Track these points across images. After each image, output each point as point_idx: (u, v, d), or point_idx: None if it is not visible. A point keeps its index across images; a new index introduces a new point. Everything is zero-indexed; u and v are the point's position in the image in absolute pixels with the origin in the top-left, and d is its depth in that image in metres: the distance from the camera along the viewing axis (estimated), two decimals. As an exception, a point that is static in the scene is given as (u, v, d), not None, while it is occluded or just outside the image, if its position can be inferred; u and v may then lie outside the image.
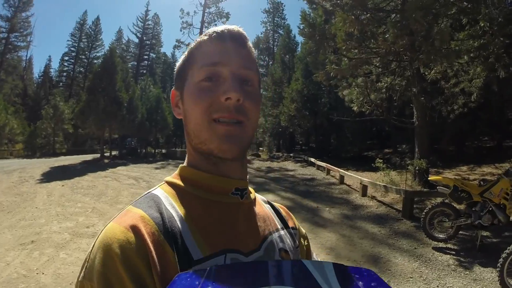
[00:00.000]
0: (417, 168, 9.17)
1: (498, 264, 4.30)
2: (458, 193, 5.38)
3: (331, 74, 10.12)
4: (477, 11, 8.51)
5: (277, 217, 0.82)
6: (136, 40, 59.11)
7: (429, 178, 6.43)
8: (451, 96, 11.19)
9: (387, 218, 7.26)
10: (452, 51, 8.61)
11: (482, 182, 5.50)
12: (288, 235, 0.80)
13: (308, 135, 26.06)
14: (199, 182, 0.69)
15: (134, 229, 0.56)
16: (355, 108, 11.32)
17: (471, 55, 9.25)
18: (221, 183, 0.69)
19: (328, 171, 13.29)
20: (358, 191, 9.36)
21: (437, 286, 4.55)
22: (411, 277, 4.73)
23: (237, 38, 0.69)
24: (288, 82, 27.15)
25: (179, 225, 0.61)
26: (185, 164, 0.73)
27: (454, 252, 5.57)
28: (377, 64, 10.68)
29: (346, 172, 11.32)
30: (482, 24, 8.61)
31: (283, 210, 0.87)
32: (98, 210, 7.93)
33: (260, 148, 31.25)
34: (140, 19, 58.85)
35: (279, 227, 0.79)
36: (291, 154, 23.65)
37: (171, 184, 0.70)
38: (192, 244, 0.60)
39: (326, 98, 22.61)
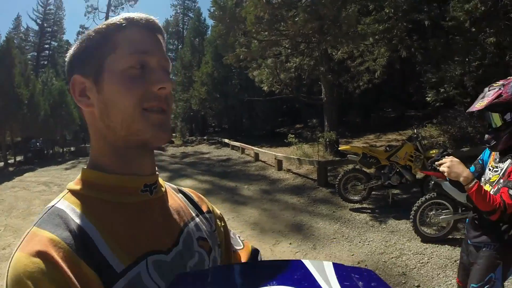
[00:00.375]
0: (327, 139, 9.70)
1: (411, 216, 4.82)
2: (367, 159, 5.90)
3: (241, 56, 10.21)
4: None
5: (190, 205, 0.81)
6: (36, 28, 53.21)
7: (339, 148, 6.87)
8: (356, 74, 12.00)
9: (304, 188, 7.58)
10: (358, 34, 9.22)
11: (388, 148, 6.08)
12: (204, 221, 0.80)
13: (221, 117, 25.84)
14: (104, 185, 0.64)
15: (44, 255, 0.50)
16: (265, 88, 11.53)
17: (376, 37, 10.08)
18: (128, 182, 0.65)
19: (242, 150, 13.42)
20: (273, 166, 9.59)
21: (359, 242, 4.95)
22: (334, 238, 5.06)
23: (158, 29, 0.68)
24: (198, 66, 26.56)
25: (93, 239, 0.56)
26: (88, 166, 0.68)
27: (369, 211, 6.08)
28: (287, 46, 10.94)
29: (261, 149, 11.58)
30: (387, 11, 9.38)
31: (195, 196, 0.86)
32: (12, 227, 7.05)
33: (173, 134, 30.45)
34: (41, 3, 53.01)
35: (193, 214, 0.78)
36: (205, 137, 23.44)
37: (74, 193, 0.63)
38: (111, 257, 0.56)
39: (237, 80, 22.57)
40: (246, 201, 6.88)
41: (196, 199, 0.84)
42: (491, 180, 2.08)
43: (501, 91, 1.91)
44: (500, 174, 2.01)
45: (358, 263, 4.40)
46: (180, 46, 46.10)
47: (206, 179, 8.63)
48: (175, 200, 0.76)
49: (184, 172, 9.32)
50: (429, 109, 12.46)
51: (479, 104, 1.97)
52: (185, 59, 29.37)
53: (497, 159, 2.09)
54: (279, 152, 10.67)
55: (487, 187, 2.08)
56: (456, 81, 10.19)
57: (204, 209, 0.83)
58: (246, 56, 10.08)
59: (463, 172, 1.88)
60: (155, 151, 0.72)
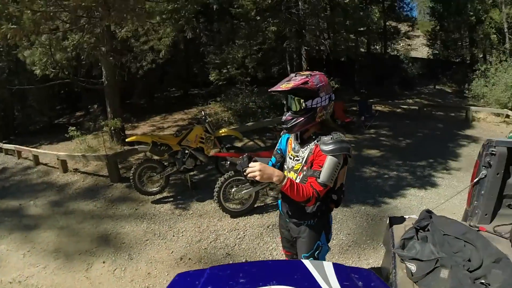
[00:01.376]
0: (112, 128, 8.88)
1: (215, 197, 5.05)
2: (158, 148, 5.70)
3: (8, 35, 8.09)
4: None
5: None
6: None
7: (126, 140, 6.43)
8: (140, 53, 11.46)
9: (98, 189, 6.78)
10: (146, 11, 8.60)
11: (177, 133, 6.12)
12: None
13: (-14, 113, 20.65)
14: None
15: None
16: (37, 72, 9.68)
17: (163, 16, 9.63)
18: None
19: (19, 154, 10.63)
20: (58, 168, 8.10)
21: (173, 236, 4.82)
22: (147, 240, 4.77)
23: None
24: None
25: None
26: None
27: (172, 199, 5.98)
28: (66, 19, 9.29)
29: (40, 150, 9.67)
30: None
31: None
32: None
33: None
34: None
35: None
36: (-30, 145, 18.32)
37: None
38: None
39: (5, 62, 18.31)
40: (37, 223, 5.57)
41: None
42: (295, 168, 2.24)
43: (308, 79, 2.07)
44: (303, 162, 2.18)
45: (181, 259, 4.31)
46: None
47: (-17, 209, 6.57)
48: None
49: (-45, 210, 6.82)
50: (212, 87, 13.23)
51: (285, 86, 2.06)
52: None
53: (296, 148, 2.26)
54: (62, 150, 9.42)
55: (291, 175, 2.25)
56: (239, 62, 11.18)
57: None
58: (15, 33, 7.97)
59: (273, 173, 1.96)
60: None
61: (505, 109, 13.28)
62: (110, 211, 5.73)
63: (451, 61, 22.98)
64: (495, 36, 19.34)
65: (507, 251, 2.22)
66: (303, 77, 2.09)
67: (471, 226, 2.68)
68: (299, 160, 2.22)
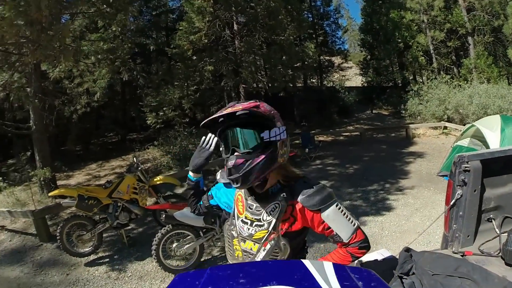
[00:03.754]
0: (42, 179, 7.94)
1: (153, 255, 4.46)
2: (85, 202, 5.07)
3: None
4: (114, 17, 8.29)
5: None
6: None
7: (49, 194, 5.79)
8: (74, 96, 10.75)
9: (26, 250, 5.87)
10: (80, 51, 7.92)
11: (107, 184, 5.42)
12: None
13: None
14: None
15: None
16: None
17: (99, 56, 9.11)
18: None
19: None
20: (-18, 226, 6.96)
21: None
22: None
23: None
24: None
25: None
26: None
27: (108, 260, 5.25)
28: None
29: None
30: (115, 29, 8.70)
31: None
32: None
33: None
34: None
35: None
36: None
37: None
38: None
39: None
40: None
41: None
42: (255, 237, 1.55)
43: (258, 103, 1.46)
44: (270, 229, 1.50)
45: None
46: None
47: None
48: None
49: None
50: (150, 131, 12.72)
51: (231, 108, 1.43)
52: None
53: (253, 207, 1.56)
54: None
55: (248, 245, 1.57)
56: (175, 103, 10.93)
57: None
58: None
59: None
60: None
61: (442, 122, 14.34)
62: (39, 278, 4.90)
63: (384, 86, 24.39)
64: (423, 58, 21.01)
65: (502, 271, 1.93)
66: (252, 101, 1.48)
67: (454, 252, 2.33)
68: (262, 225, 1.52)
